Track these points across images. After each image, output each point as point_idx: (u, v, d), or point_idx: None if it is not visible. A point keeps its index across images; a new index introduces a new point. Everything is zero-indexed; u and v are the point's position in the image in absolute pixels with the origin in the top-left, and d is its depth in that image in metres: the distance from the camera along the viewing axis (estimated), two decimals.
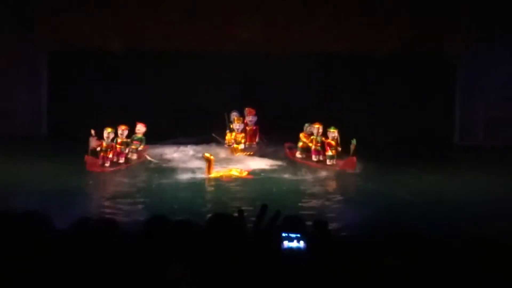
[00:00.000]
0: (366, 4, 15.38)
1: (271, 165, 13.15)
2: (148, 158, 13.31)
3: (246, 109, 14.25)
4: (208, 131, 14.34)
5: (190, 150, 14.10)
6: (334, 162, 12.91)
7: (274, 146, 14.31)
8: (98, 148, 12.50)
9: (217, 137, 14.26)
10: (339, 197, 11.16)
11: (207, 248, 4.02)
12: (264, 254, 4.01)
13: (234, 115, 14.15)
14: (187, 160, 13.36)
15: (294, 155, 13.57)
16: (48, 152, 13.71)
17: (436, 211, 10.05)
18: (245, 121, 14.09)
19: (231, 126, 14.11)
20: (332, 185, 12.30)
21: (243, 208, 4.38)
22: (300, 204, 10.37)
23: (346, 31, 15.69)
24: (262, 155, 13.84)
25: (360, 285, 3.90)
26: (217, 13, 15.45)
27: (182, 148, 14.16)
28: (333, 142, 12.92)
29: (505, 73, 15.95)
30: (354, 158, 12.46)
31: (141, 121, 13.37)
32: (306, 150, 13.42)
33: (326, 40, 15.73)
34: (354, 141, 12.41)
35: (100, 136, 12.56)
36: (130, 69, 15.95)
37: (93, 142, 12.57)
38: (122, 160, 12.89)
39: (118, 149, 12.81)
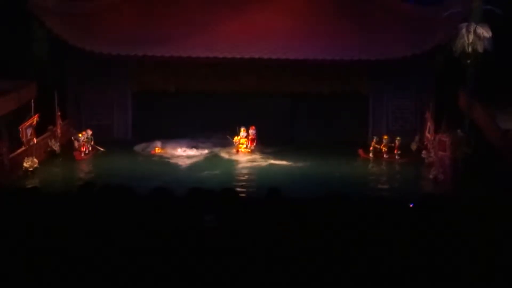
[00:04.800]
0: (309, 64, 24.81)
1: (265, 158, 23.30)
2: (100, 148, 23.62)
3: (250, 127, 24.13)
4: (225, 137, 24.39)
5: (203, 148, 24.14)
6: (398, 157, 23.50)
7: (268, 148, 24.15)
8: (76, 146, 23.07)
9: (229, 138, 24.10)
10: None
11: (225, 206, 5.31)
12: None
13: (241, 128, 24.09)
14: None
15: (368, 156, 23.54)
16: (131, 148, 24.19)
17: (357, 184, 19.53)
18: (248, 133, 23.98)
19: (240, 134, 24.19)
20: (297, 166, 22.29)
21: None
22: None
23: (304, 79, 25.51)
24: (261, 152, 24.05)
25: (306, 235, 4.80)
26: (230, 68, 25.08)
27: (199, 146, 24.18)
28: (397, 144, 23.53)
29: (397, 102, 25.96)
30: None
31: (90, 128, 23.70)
32: (371, 152, 23.59)
33: (293, 84, 25.60)
34: (398, 138, 23.35)
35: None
36: (178, 101, 25.77)
37: (76, 143, 23.13)
38: (87, 151, 23.09)
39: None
